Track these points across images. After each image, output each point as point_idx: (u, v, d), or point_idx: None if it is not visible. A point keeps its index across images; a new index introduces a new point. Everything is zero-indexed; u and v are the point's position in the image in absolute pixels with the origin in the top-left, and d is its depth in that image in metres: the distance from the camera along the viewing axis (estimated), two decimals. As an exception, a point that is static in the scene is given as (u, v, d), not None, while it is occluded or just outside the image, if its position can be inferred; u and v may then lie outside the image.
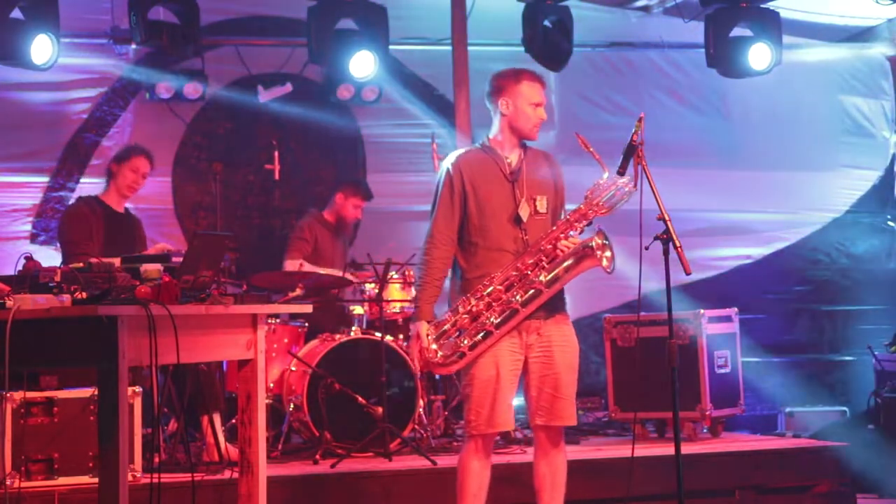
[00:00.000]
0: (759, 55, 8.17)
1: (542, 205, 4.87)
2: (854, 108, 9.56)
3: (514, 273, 4.76)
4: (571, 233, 4.80)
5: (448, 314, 4.81)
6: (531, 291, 4.75)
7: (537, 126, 4.91)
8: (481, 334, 4.74)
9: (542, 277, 4.75)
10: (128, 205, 6.96)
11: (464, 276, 4.87)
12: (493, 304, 4.75)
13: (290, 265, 7.53)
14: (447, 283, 4.94)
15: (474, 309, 4.75)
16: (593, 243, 4.75)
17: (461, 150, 5.08)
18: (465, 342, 4.75)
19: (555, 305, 4.86)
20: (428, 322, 4.81)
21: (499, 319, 4.74)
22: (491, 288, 4.76)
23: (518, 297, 4.74)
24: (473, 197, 4.84)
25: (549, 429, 4.87)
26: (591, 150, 4.74)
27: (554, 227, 4.81)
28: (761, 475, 6.58)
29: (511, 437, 6.83)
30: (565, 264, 4.77)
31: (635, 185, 4.67)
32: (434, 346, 4.77)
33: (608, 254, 4.76)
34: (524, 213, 4.83)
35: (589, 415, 8.16)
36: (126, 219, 6.87)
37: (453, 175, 4.87)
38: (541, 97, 4.91)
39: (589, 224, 4.82)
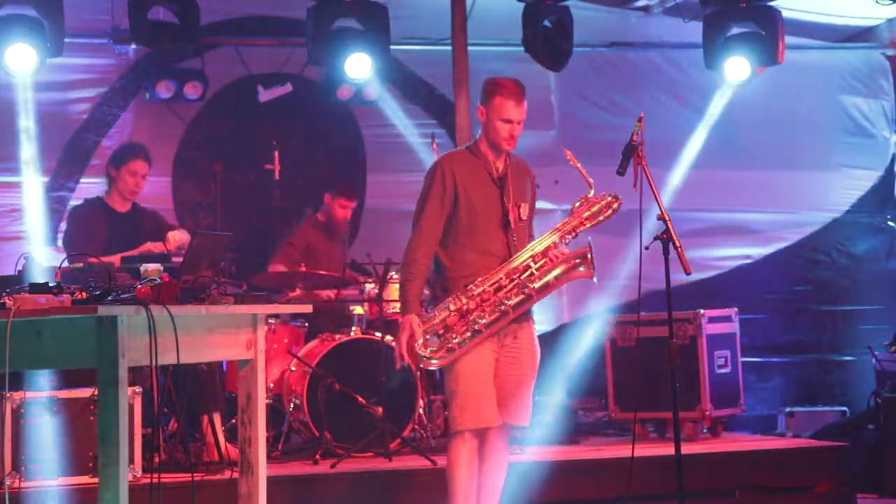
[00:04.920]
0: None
1: (524, 212, 5.00)
2: (854, 108, 9.55)
3: (504, 276, 4.86)
4: (560, 244, 4.94)
5: (436, 311, 4.87)
6: (522, 296, 4.85)
7: (507, 140, 4.93)
8: (470, 332, 4.82)
9: (535, 284, 4.86)
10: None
11: (448, 274, 4.94)
12: (484, 304, 4.83)
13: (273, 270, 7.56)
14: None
15: (464, 307, 4.82)
16: (589, 255, 4.89)
17: (451, 151, 5.16)
18: (455, 339, 4.82)
19: (527, 310, 4.98)
20: (417, 315, 4.87)
21: (489, 320, 4.82)
22: (481, 288, 4.83)
23: (510, 301, 4.83)
24: (465, 198, 4.91)
25: (502, 426, 4.96)
26: (578, 165, 4.89)
27: (552, 236, 4.91)
28: (761, 475, 6.58)
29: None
30: (556, 272, 4.89)
31: (635, 186, 4.71)
32: (422, 340, 4.83)
33: (594, 265, 4.93)
34: (511, 218, 4.93)
35: (589, 415, 8.15)
36: (131, 217, 6.84)
37: (445, 175, 4.93)
38: (513, 114, 4.90)
39: (575, 237, 4.97)
